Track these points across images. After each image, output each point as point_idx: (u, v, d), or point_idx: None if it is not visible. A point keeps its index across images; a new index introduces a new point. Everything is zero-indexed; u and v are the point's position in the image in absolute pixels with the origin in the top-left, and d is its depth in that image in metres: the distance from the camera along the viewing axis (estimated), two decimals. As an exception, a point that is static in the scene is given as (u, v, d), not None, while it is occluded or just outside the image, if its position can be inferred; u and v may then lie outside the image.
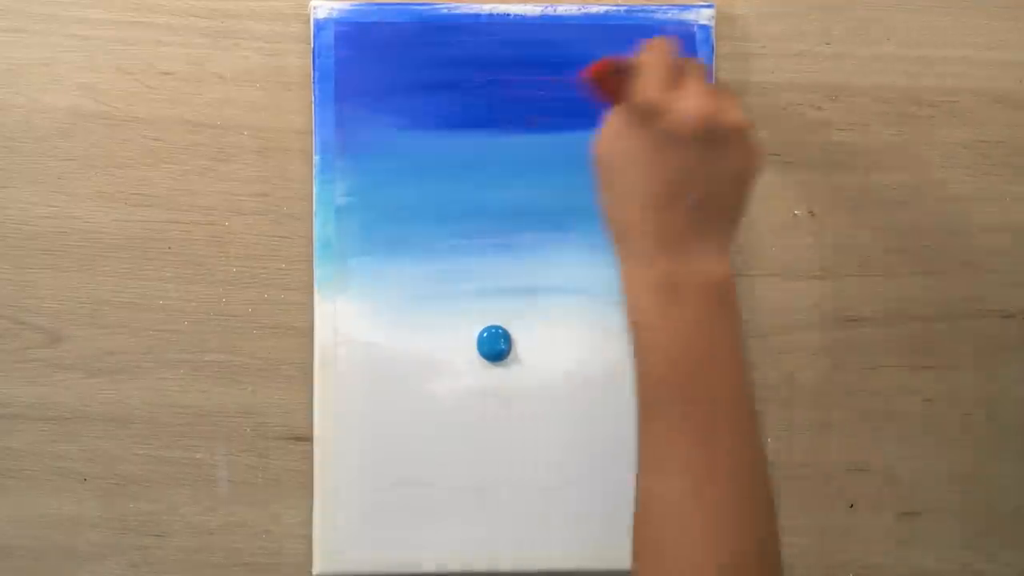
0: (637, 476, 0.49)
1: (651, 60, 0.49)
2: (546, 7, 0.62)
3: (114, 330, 0.62)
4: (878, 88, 0.64)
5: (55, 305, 0.62)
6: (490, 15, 0.61)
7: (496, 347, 0.61)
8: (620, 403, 0.62)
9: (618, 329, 0.62)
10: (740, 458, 0.48)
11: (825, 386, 0.64)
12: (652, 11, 0.62)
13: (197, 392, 0.63)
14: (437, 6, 0.61)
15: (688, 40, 0.62)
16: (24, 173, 0.62)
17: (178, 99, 0.62)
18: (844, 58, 0.64)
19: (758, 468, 0.48)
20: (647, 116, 0.48)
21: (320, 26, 0.61)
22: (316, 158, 0.61)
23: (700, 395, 0.48)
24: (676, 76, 0.49)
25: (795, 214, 0.64)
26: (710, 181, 0.49)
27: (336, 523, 0.62)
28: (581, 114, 0.62)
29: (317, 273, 0.62)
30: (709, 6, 0.62)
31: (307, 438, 0.63)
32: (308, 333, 0.62)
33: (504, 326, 0.62)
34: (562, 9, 0.62)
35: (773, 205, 0.64)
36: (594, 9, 0.62)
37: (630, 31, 0.62)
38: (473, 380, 0.62)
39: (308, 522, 0.63)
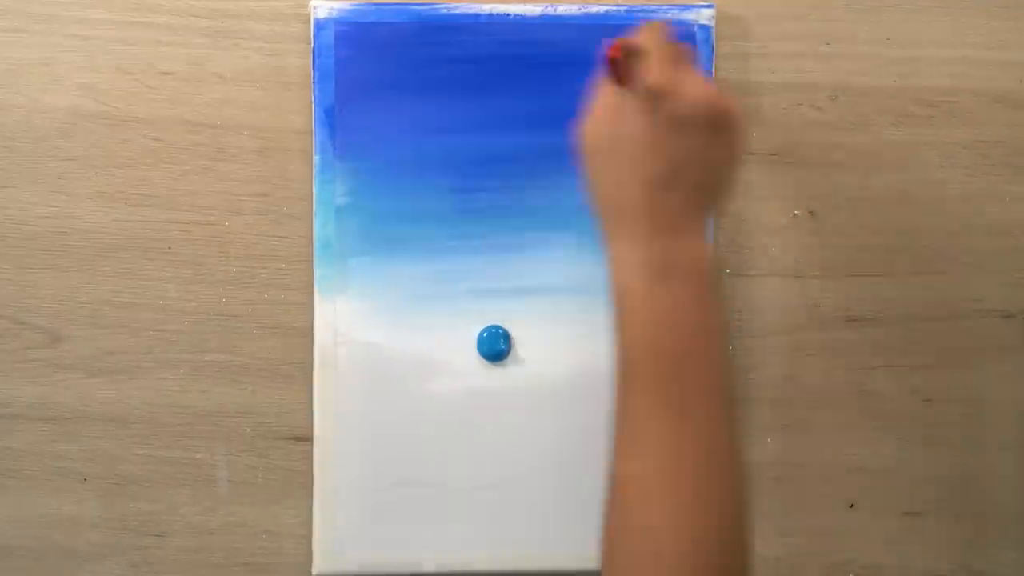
0: (610, 460, 0.48)
1: (654, 43, 0.50)
2: (546, 7, 0.62)
3: (114, 330, 0.62)
4: (878, 88, 0.64)
5: (55, 305, 0.62)
6: (490, 15, 0.61)
7: (496, 347, 0.61)
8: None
9: (618, 329, 0.62)
10: (713, 442, 0.47)
11: (825, 386, 0.64)
12: (652, 11, 0.62)
13: (197, 392, 0.63)
14: (437, 6, 0.61)
15: (688, 40, 0.62)
16: (24, 173, 0.62)
17: (178, 99, 0.62)
18: (844, 58, 0.64)
19: (731, 455, 0.48)
20: (653, 99, 0.48)
21: (320, 26, 0.61)
22: (316, 158, 0.61)
23: (680, 374, 0.47)
24: (675, 60, 0.50)
25: (795, 214, 0.64)
26: (706, 165, 0.49)
27: (336, 523, 0.62)
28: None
29: (317, 273, 0.62)
30: (709, 6, 0.62)
31: (307, 438, 0.63)
32: (308, 333, 0.62)
33: (504, 326, 0.62)
34: (562, 9, 0.62)
35: (773, 205, 0.64)
36: (594, 9, 0.62)
37: (630, 30, 0.62)
38: (473, 380, 0.62)
39: (308, 522, 0.63)
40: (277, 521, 0.63)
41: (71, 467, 0.63)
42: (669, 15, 0.62)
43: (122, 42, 0.62)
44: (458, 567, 0.62)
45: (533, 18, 0.62)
